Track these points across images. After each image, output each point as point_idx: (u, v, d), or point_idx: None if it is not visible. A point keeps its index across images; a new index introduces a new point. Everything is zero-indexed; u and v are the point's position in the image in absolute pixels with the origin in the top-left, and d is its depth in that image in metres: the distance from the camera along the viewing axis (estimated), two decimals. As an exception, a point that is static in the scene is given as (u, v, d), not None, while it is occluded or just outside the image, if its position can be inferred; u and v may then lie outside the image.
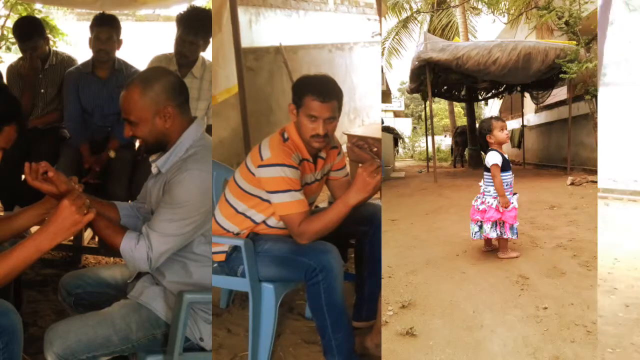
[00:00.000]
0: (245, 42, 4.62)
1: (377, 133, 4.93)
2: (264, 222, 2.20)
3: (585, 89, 6.46)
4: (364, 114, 8.48)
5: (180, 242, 1.77)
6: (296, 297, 2.83)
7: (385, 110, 19.84)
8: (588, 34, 6.68)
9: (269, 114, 5.84)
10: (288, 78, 6.09)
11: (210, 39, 3.41)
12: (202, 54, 3.35)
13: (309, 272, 2.02)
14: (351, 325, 2.16)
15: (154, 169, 1.88)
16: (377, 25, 6.49)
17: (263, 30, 5.87)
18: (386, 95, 18.05)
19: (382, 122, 11.20)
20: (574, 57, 6.39)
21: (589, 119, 6.91)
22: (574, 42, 6.67)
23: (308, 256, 2.03)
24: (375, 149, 2.46)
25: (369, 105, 8.46)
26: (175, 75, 1.89)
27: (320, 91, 2.06)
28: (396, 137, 11.49)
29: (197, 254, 1.84)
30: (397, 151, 14.48)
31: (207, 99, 3.40)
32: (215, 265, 2.25)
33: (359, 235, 2.43)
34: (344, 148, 2.64)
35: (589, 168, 7.26)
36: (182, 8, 3.30)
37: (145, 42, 5.05)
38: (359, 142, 2.46)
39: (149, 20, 8.51)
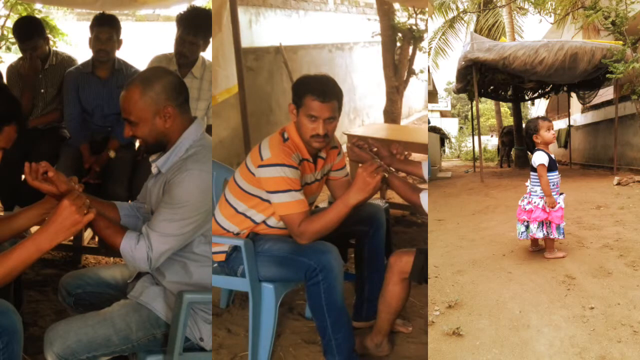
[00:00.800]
0: (245, 42, 4.62)
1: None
2: (264, 222, 2.20)
3: (632, 89, 6.42)
4: (364, 114, 8.49)
5: (180, 242, 1.77)
6: (296, 297, 2.83)
7: (432, 110, 19.66)
8: (635, 34, 6.68)
9: (269, 114, 5.84)
10: (288, 78, 6.09)
11: (210, 39, 3.41)
12: (202, 54, 3.35)
13: (309, 272, 2.02)
14: (351, 325, 2.16)
15: (154, 169, 1.88)
16: (377, 25, 6.48)
17: (263, 30, 5.87)
18: (433, 95, 17.92)
19: (429, 122, 11.16)
20: (621, 57, 6.35)
21: (636, 119, 6.90)
22: (621, 42, 6.63)
23: (308, 256, 2.03)
24: (375, 149, 2.46)
25: (369, 105, 8.47)
26: (175, 75, 1.89)
27: (320, 91, 2.06)
28: (443, 137, 11.42)
29: (197, 254, 1.84)
30: (444, 151, 14.43)
31: (207, 99, 3.40)
32: (215, 265, 2.25)
33: (359, 235, 2.43)
34: (344, 148, 2.63)
35: (636, 168, 7.23)
36: (182, 8, 3.31)
37: (145, 42, 5.06)
38: (359, 142, 2.46)
39: (149, 20, 8.52)
